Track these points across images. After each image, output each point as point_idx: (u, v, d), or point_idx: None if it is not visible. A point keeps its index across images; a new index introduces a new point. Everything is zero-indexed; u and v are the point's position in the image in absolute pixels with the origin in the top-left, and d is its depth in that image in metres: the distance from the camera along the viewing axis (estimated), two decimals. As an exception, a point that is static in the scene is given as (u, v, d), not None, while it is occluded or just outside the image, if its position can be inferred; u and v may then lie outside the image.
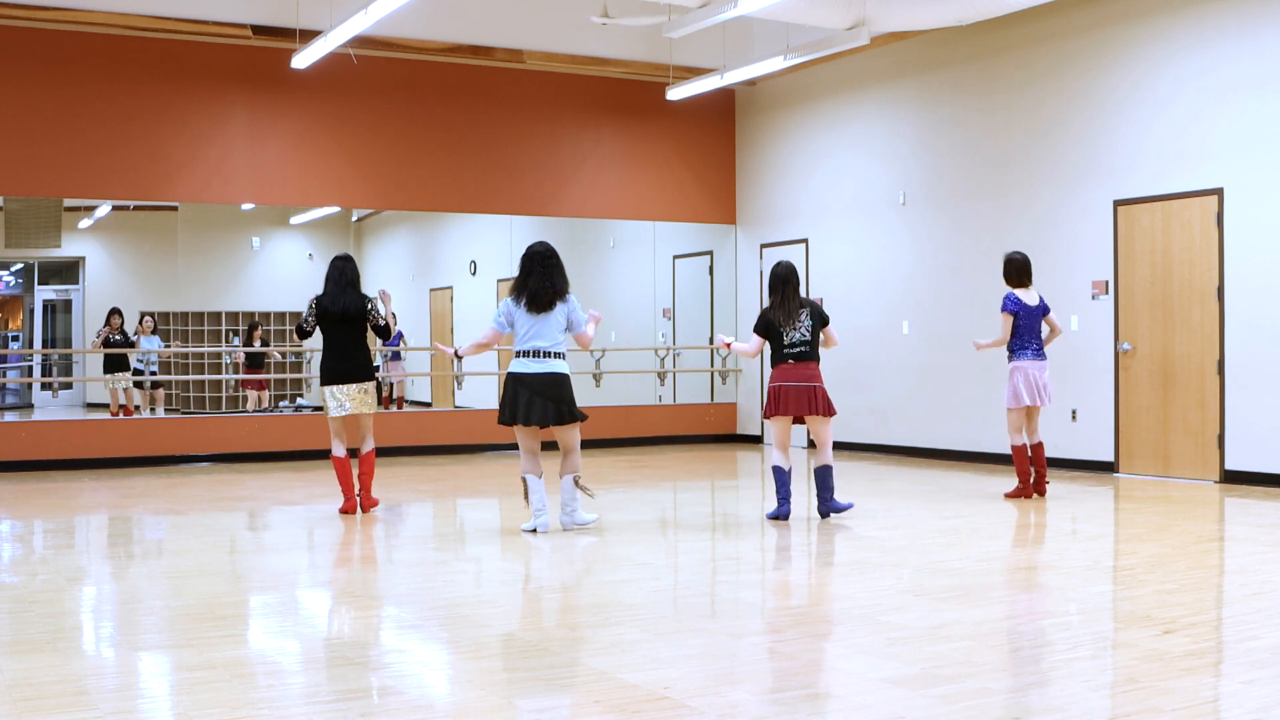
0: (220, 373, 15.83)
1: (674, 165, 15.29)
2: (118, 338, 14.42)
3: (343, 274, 8.61)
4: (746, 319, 15.43)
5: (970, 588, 5.97)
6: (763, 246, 15.16)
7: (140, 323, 14.87)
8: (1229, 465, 10.11)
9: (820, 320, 8.33)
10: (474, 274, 17.90)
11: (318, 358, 15.70)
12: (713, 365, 15.85)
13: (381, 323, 8.68)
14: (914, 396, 13.07)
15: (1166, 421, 10.55)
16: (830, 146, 14.17)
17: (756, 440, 15.27)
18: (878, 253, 13.47)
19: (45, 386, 16.64)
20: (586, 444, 14.68)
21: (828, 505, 8.34)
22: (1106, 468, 11.00)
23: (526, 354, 7.56)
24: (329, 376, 8.60)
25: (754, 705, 4.01)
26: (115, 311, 14.52)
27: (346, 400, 8.59)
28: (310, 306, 8.61)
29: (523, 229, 16.54)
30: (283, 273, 17.29)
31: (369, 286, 8.89)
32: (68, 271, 16.77)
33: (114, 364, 14.52)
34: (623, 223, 15.97)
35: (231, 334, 16.28)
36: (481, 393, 16.13)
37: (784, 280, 8.28)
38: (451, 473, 11.95)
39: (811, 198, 14.41)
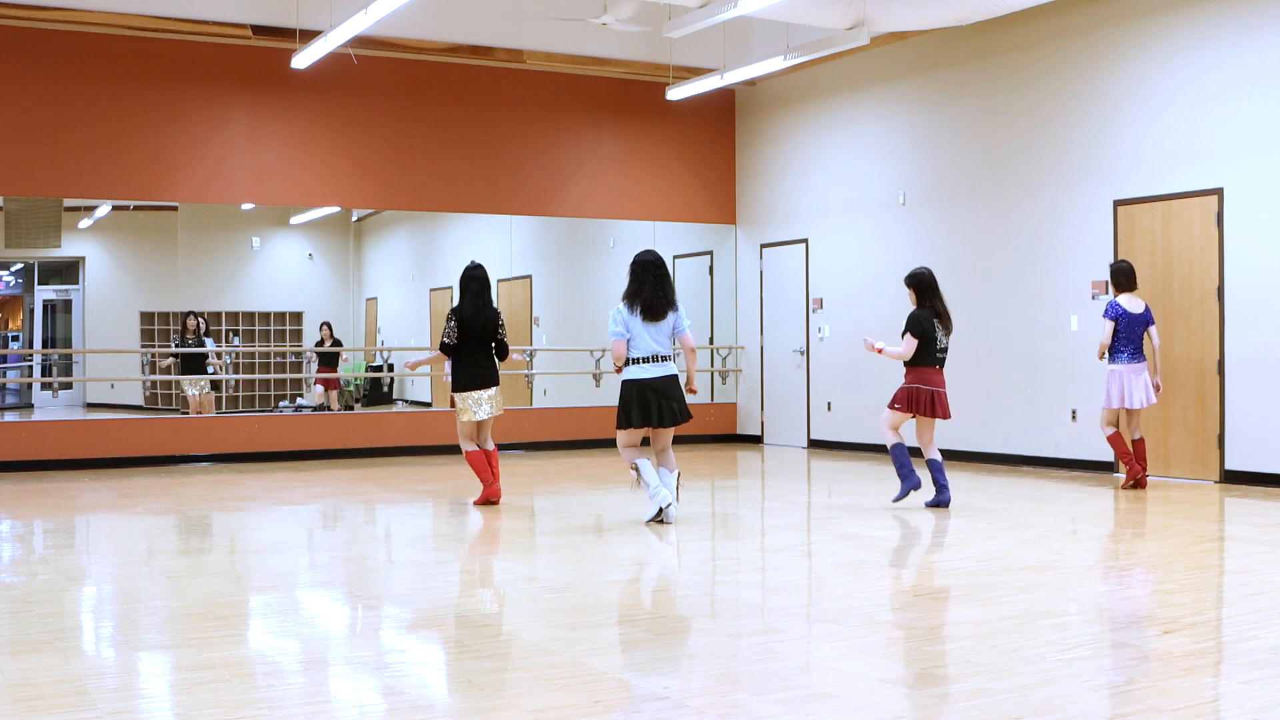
0: (285, 371, 15.79)
1: (674, 165, 15.28)
2: (192, 340, 14.33)
3: (482, 289, 9.06)
4: (747, 319, 15.44)
5: (970, 588, 5.97)
6: (763, 246, 15.16)
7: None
8: (1229, 465, 10.11)
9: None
10: (474, 274, 17.87)
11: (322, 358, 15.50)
12: (713, 365, 15.84)
13: (504, 337, 9.14)
14: (914, 396, 13.04)
15: (1166, 421, 10.55)
16: (830, 146, 14.17)
17: (756, 440, 15.27)
18: (878, 253, 13.47)
19: (45, 386, 16.63)
20: (587, 443, 14.75)
21: (946, 494, 8.70)
22: (1106, 468, 11.00)
23: (648, 359, 7.97)
24: (469, 384, 9.01)
25: (754, 705, 4.01)
26: (191, 314, 14.41)
27: (487, 404, 9.03)
28: (451, 321, 8.99)
29: (523, 229, 16.54)
30: (283, 273, 17.28)
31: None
32: (68, 271, 16.76)
33: (191, 366, 14.40)
34: (623, 223, 15.96)
35: (231, 334, 16.27)
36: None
37: (934, 287, 8.71)
38: (452, 473, 11.94)
39: (811, 198, 14.41)
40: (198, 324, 14.39)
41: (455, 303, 9.27)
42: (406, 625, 5.51)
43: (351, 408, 16.85)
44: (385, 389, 17.89)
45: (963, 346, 12.44)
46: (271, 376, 15.55)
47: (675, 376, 8.06)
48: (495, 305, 9.18)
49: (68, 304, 16.83)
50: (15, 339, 17.62)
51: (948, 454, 12.59)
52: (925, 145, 12.97)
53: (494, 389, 9.08)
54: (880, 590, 6.01)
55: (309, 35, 11.56)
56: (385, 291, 18.02)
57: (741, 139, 15.51)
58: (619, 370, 8.14)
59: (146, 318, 15.81)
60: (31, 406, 16.61)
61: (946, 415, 8.70)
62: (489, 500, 9.20)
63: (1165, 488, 10.02)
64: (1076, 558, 7.15)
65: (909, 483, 8.62)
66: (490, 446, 9.26)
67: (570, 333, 16.75)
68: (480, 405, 9.01)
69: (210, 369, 14.78)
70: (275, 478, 11.60)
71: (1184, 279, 10.42)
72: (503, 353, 9.14)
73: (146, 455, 12.76)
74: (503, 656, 4.79)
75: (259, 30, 12.36)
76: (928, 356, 8.62)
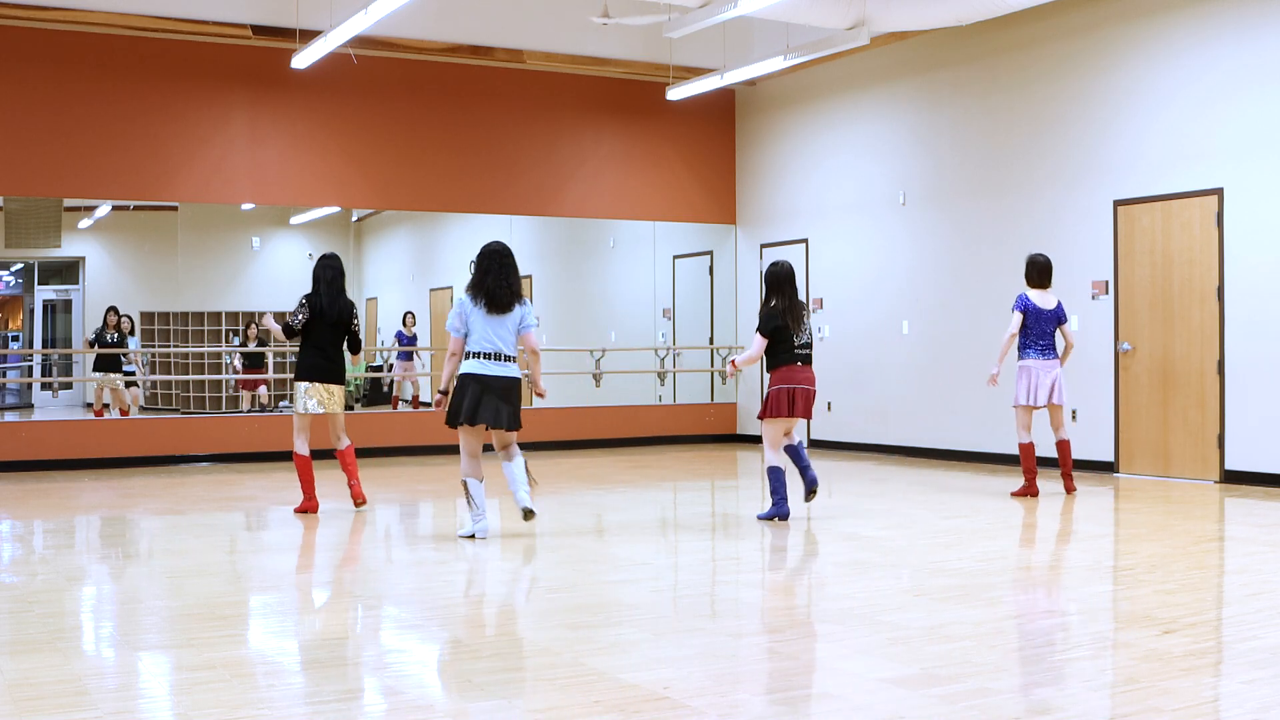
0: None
1: (674, 165, 15.28)
2: (113, 336, 14.32)
3: (336, 278, 8.76)
4: (746, 319, 15.43)
5: (970, 588, 5.97)
6: (763, 246, 15.16)
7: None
8: (1229, 465, 10.11)
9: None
10: (474, 274, 17.87)
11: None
12: (713, 365, 15.84)
13: (358, 330, 8.86)
14: (914, 396, 13.06)
15: (1166, 421, 10.55)
16: (830, 146, 14.17)
17: (756, 440, 15.26)
18: (878, 253, 13.47)
19: (45, 386, 16.63)
20: (587, 443, 14.75)
21: (810, 475, 8.39)
22: (1106, 468, 11.00)
23: (487, 355, 7.44)
24: (314, 375, 8.65)
25: (754, 705, 4.01)
26: (112, 309, 14.46)
27: (327, 399, 8.68)
28: (302, 306, 8.66)
29: (523, 229, 16.54)
30: (283, 273, 17.26)
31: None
32: (68, 271, 16.76)
33: (105, 363, 14.41)
34: (623, 223, 15.96)
35: (231, 334, 16.27)
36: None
37: (789, 280, 8.28)
38: (450, 473, 11.94)
39: (811, 198, 14.41)
40: (118, 321, 14.33)
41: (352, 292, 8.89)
42: (406, 625, 5.51)
43: (351, 408, 16.86)
44: (385, 389, 17.88)
45: (963, 346, 12.45)
46: (272, 376, 15.54)
47: (518, 381, 7.51)
48: (350, 300, 8.85)
49: (68, 304, 16.84)
50: (15, 339, 17.63)
51: (950, 454, 12.61)
52: (925, 145, 12.97)
53: (337, 385, 8.68)
54: (880, 590, 6.01)
55: (309, 35, 11.56)
56: (385, 291, 18.02)
57: (741, 139, 15.51)
58: (451, 376, 7.53)
59: (146, 318, 15.81)
60: (31, 406, 16.62)
61: (808, 415, 8.33)
62: (307, 510, 8.76)
63: (1165, 488, 10.02)
64: (1076, 558, 7.15)
65: (778, 509, 8.30)
66: (344, 445, 8.81)
67: (570, 333, 16.75)
68: (317, 399, 8.59)
69: (132, 368, 14.76)
70: (275, 478, 11.60)
71: (1184, 279, 10.42)
72: (355, 346, 8.83)
73: (146, 455, 12.76)
74: (503, 656, 4.79)
75: (259, 30, 12.36)
76: (787, 354, 8.21)
